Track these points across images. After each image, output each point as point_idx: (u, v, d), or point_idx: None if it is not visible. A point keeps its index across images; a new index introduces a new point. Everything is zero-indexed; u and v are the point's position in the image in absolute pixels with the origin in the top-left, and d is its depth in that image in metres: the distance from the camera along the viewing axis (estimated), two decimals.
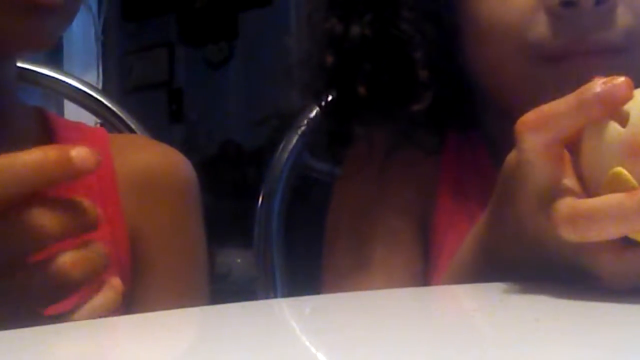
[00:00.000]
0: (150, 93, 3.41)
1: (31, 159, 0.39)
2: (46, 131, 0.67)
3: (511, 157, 0.44)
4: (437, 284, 0.66)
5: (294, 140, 0.91)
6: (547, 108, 0.40)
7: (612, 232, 0.36)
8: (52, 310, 0.40)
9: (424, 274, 0.70)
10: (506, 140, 0.44)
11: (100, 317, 0.42)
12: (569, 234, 0.37)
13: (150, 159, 0.70)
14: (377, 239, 0.71)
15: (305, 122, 0.88)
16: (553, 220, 0.38)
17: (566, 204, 0.38)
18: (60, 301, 0.40)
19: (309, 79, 0.76)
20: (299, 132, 0.89)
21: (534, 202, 0.40)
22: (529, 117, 0.40)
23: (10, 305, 0.39)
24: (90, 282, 0.42)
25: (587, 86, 0.38)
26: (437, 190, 0.71)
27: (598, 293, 0.37)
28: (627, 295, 0.38)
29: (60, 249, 0.40)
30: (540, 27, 0.62)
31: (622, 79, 0.38)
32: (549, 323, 0.32)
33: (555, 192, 0.39)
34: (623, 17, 0.62)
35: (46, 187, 0.39)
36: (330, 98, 0.75)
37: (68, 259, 0.40)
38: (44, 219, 0.39)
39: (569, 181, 0.39)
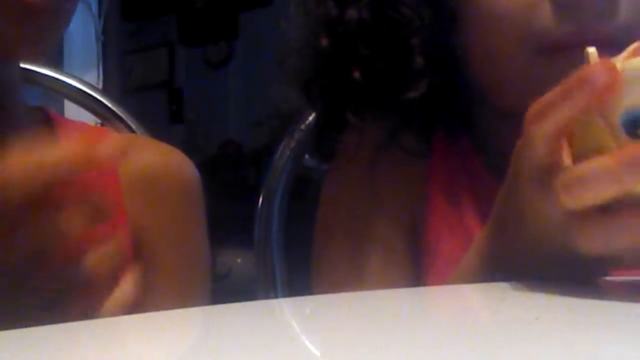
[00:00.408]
0: (150, 93, 3.41)
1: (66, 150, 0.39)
2: (50, 131, 0.67)
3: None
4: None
5: (294, 140, 0.91)
6: (544, 100, 0.41)
7: (605, 192, 0.38)
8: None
9: (417, 278, 0.70)
10: (498, 141, 0.45)
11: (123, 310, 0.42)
12: (567, 201, 0.39)
13: (153, 159, 0.70)
14: (370, 248, 0.70)
15: (306, 122, 0.88)
16: (553, 190, 0.39)
17: (562, 173, 0.40)
18: (91, 300, 0.41)
19: (301, 65, 0.75)
20: (299, 132, 0.89)
21: (536, 183, 0.41)
22: (533, 109, 0.42)
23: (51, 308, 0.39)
24: (115, 277, 0.43)
25: (570, 77, 0.40)
26: (427, 192, 0.71)
27: (598, 292, 0.37)
28: (627, 294, 0.38)
29: (81, 247, 0.41)
30: (544, 16, 0.62)
31: (599, 64, 0.39)
32: (549, 322, 0.32)
33: (554, 170, 0.40)
34: (625, 9, 0.62)
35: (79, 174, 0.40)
36: (320, 87, 0.74)
37: (95, 258, 0.41)
38: (71, 211, 0.40)
39: (567, 159, 0.41)
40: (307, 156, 0.91)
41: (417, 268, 0.70)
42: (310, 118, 0.86)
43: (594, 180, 0.38)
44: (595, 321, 0.33)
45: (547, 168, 0.41)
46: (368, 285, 0.69)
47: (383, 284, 0.68)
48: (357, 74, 0.69)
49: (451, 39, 0.69)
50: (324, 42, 0.71)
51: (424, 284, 0.69)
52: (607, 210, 0.38)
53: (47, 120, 0.68)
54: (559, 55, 0.62)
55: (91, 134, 0.70)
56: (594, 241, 0.39)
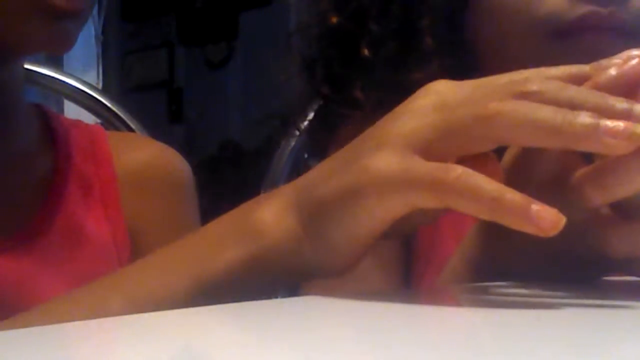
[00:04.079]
0: (150, 93, 3.42)
1: None
2: (47, 129, 0.68)
3: (509, 155, 0.44)
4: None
5: (294, 140, 0.91)
6: None
7: (637, 183, 0.37)
8: None
9: (409, 282, 0.69)
10: None
11: None
12: (597, 194, 0.38)
13: (148, 157, 0.71)
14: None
15: (305, 122, 0.87)
16: (578, 184, 0.39)
17: (588, 168, 0.39)
18: None
19: (308, 43, 0.75)
20: (299, 132, 0.89)
21: (548, 186, 0.40)
22: None
23: None
24: None
25: (602, 69, 0.39)
26: None
27: (599, 292, 0.37)
28: (628, 294, 0.38)
29: None
30: (555, 0, 0.62)
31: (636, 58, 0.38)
32: (550, 322, 0.32)
33: (570, 170, 0.40)
34: None
35: None
36: (327, 66, 0.74)
37: None
38: None
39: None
40: (307, 156, 0.91)
41: (408, 272, 0.69)
42: (310, 118, 0.86)
43: (627, 171, 0.37)
44: (596, 321, 0.33)
45: (561, 171, 0.40)
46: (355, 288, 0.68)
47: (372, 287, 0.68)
48: (366, 52, 0.69)
49: (462, 22, 0.68)
50: (333, 19, 0.71)
51: (416, 288, 0.68)
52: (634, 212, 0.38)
53: (44, 119, 0.69)
54: (568, 40, 0.61)
55: (86, 131, 0.71)
56: (623, 243, 0.39)
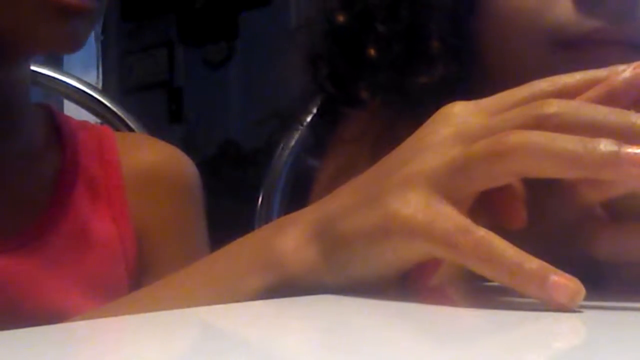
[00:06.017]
0: (150, 93, 3.42)
1: None
2: (54, 130, 0.68)
3: None
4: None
5: (294, 140, 0.91)
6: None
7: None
8: None
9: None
10: None
11: None
12: (591, 191, 0.38)
13: (155, 158, 0.71)
14: None
15: (305, 122, 0.87)
16: (573, 181, 0.38)
17: None
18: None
19: (313, 40, 0.75)
20: (299, 132, 0.89)
21: (543, 184, 0.40)
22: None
23: None
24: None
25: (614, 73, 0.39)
26: None
27: (599, 293, 0.37)
28: (628, 295, 0.38)
29: None
30: (563, 11, 0.62)
31: None
32: (550, 323, 0.32)
33: None
34: None
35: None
36: (331, 64, 0.74)
37: None
38: None
39: None
40: (307, 156, 0.91)
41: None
42: (310, 118, 0.86)
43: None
44: (596, 322, 0.33)
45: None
46: None
47: None
48: (371, 52, 0.69)
49: (468, 28, 0.68)
50: (341, 17, 0.71)
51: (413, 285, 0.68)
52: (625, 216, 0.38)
53: (51, 119, 0.69)
54: (575, 51, 0.61)
55: (94, 132, 0.71)
56: (608, 243, 0.39)
